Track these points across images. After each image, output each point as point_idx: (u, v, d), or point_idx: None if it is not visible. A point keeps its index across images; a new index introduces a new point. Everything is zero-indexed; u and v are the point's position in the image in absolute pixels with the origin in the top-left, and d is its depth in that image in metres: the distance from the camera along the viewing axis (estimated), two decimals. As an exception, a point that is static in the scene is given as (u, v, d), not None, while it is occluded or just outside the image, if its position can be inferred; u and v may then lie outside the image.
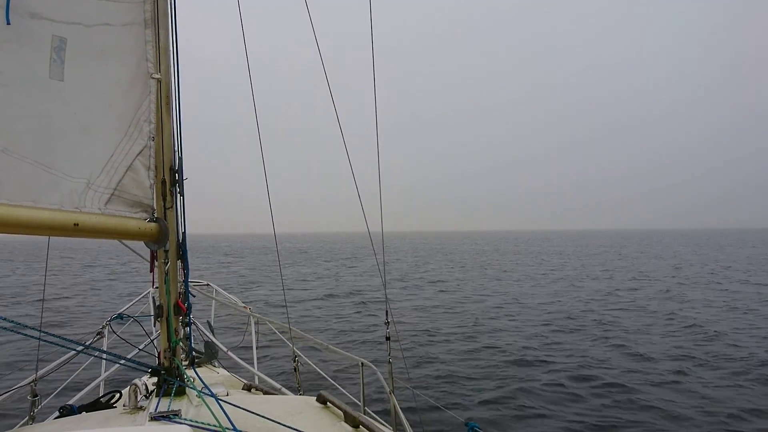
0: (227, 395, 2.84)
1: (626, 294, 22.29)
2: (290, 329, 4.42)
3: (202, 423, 2.11)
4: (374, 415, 3.33)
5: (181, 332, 2.86)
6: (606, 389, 8.92)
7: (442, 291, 24.14)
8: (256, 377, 4.71)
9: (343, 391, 4.47)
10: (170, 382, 2.58)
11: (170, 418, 2.18)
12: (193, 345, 3.52)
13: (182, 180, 2.71)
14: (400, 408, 3.31)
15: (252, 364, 5.06)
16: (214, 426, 2.06)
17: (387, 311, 3.90)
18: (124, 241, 2.71)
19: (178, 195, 2.71)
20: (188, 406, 2.42)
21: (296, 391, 4.56)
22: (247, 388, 3.61)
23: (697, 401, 8.32)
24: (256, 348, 5.51)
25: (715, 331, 13.75)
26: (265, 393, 3.53)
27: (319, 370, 4.77)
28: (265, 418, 2.22)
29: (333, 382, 4.62)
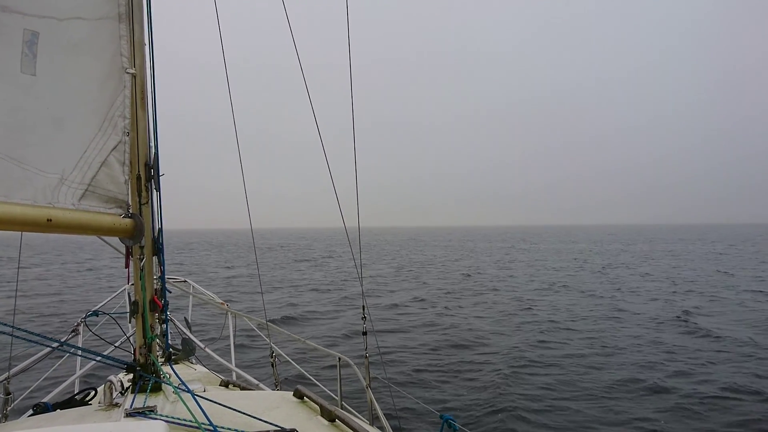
0: (204, 391, 2.84)
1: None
2: (267, 325, 4.42)
3: (179, 419, 2.11)
4: (351, 409, 3.37)
5: (158, 329, 2.85)
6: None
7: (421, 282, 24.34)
8: (234, 373, 4.70)
9: (320, 385, 4.49)
10: (146, 379, 2.57)
11: (146, 414, 2.17)
12: (170, 342, 3.51)
13: (158, 176, 2.70)
14: (377, 402, 3.35)
15: (229, 360, 5.04)
16: (191, 422, 2.06)
17: (363, 306, 3.93)
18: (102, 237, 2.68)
19: (154, 191, 2.70)
20: (164, 402, 2.42)
21: (274, 386, 4.56)
22: (225, 384, 3.60)
23: None
24: (234, 344, 5.49)
25: None
26: (243, 389, 3.53)
27: (296, 366, 4.78)
28: (242, 413, 2.22)
29: (310, 377, 4.64)
